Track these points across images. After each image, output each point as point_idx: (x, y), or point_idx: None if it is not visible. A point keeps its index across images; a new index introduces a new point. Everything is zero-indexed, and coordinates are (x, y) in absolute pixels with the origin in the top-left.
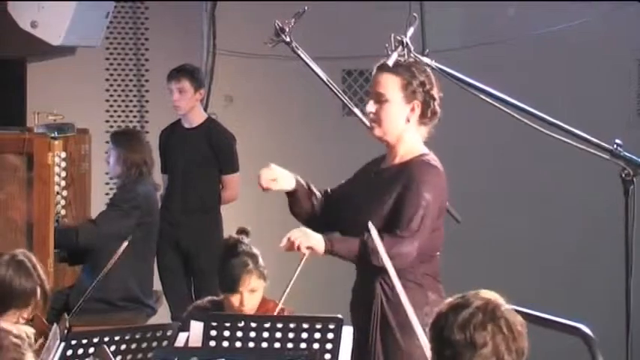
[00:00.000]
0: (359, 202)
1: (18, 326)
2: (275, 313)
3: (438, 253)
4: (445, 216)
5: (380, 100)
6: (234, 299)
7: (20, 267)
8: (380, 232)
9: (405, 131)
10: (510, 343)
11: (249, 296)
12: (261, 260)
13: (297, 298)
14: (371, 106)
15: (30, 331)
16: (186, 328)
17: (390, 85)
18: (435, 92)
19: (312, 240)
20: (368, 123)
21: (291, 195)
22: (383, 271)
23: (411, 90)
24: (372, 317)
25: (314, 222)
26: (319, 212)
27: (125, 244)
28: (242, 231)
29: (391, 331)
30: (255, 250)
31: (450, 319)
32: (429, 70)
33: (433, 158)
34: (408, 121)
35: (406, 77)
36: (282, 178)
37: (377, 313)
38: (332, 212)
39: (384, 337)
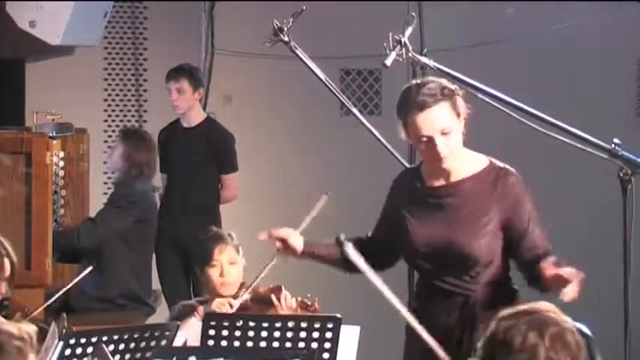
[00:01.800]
0: (444, 226)
1: (20, 326)
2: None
3: None
4: None
5: (445, 133)
6: (214, 271)
7: None
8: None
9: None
10: (552, 354)
11: (229, 267)
12: (236, 239)
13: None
14: (443, 147)
15: (32, 329)
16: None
17: (445, 114)
18: (457, 90)
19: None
20: (366, 123)
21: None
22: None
23: (454, 104)
24: (467, 327)
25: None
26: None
27: (90, 268)
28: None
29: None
30: (231, 232)
31: (502, 321)
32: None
33: (501, 163)
34: (463, 133)
35: (450, 97)
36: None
37: (469, 321)
38: (393, 246)
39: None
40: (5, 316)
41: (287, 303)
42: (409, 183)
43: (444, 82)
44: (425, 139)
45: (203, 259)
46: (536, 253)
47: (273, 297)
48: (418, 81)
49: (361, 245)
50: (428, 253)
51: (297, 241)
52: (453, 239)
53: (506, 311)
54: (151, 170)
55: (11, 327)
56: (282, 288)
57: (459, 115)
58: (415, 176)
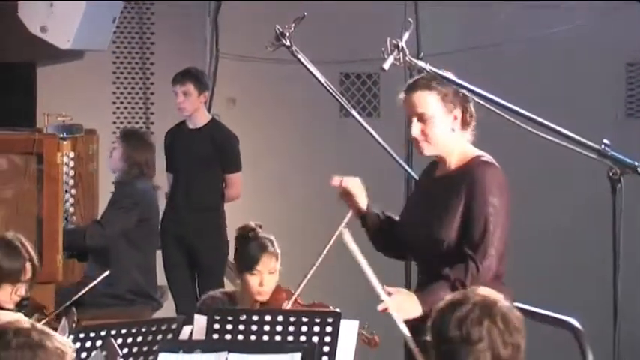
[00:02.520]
0: (424, 213)
1: (64, 338)
2: (291, 303)
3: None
4: None
5: (423, 119)
6: (253, 279)
7: (9, 246)
8: (455, 246)
9: (454, 140)
10: (506, 337)
11: (269, 277)
12: (277, 245)
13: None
14: (416, 129)
15: (72, 347)
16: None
17: (429, 102)
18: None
19: (407, 314)
20: (365, 125)
21: (362, 220)
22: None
23: (448, 100)
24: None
25: (389, 249)
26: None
27: (106, 273)
28: (258, 225)
29: None
30: (272, 236)
31: (447, 316)
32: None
33: (489, 158)
34: (453, 130)
35: (441, 89)
36: (359, 196)
37: None
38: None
39: None
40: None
41: None
42: (427, 172)
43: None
44: (407, 119)
45: (244, 263)
46: (463, 247)
47: None
48: (437, 71)
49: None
50: (408, 234)
51: (362, 202)
52: (424, 224)
53: (446, 303)
54: (151, 170)
55: (57, 335)
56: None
57: (449, 111)
58: (434, 167)
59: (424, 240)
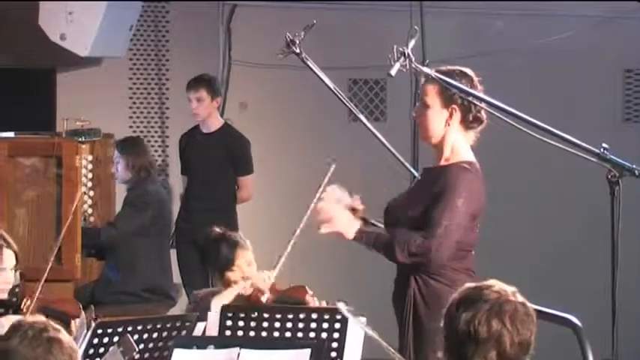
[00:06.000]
0: (402, 200)
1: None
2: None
3: (472, 251)
4: None
5: (422, 106)
6: (234, 275)
7: None
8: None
9: (448, 134)
10: (514, 337)
11: (248, 268)
12: (246, 239)
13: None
14: (415, 112)
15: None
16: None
17: (430, 93)
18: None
19: (341, 227)
20: (372, 129)
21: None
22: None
23: (447, 95)
24: (406, 306)
25: None
26: None
27: None
28: (223, 229)
29: (420, 319)
30: (235, 233)
31: (460, 310)
32: (474, 77)
33: (472, 166)
34: (449, 124)
35: (442, 84)
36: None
37: (410, 302)
38: None
39: (415, 324)
40: (16, 302)
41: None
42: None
43: (463, 79)
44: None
45: (222, 264)
46: (417, 225)
47: (308, 299)
48: (442, 77)
49: None
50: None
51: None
52: (401, 204)
53: (460, 296)
54: (155, 168)
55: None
56: (307, 288)
57: (446, 105)
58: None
59: (398, 217)
